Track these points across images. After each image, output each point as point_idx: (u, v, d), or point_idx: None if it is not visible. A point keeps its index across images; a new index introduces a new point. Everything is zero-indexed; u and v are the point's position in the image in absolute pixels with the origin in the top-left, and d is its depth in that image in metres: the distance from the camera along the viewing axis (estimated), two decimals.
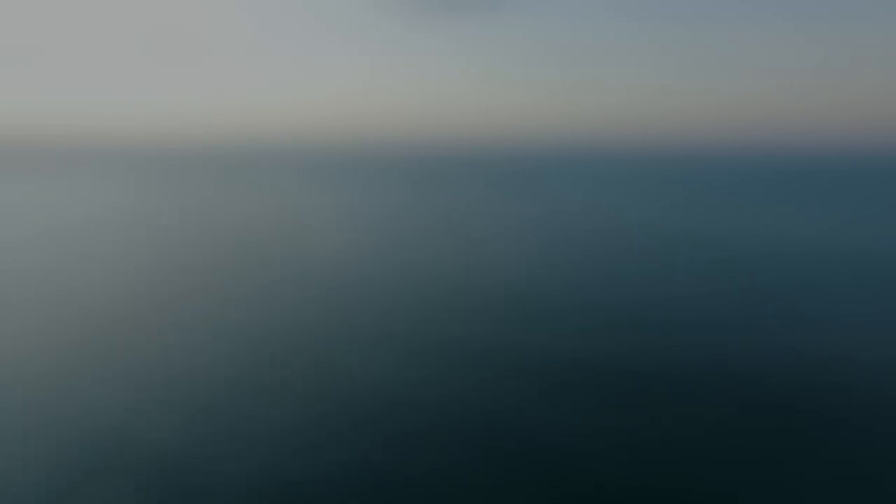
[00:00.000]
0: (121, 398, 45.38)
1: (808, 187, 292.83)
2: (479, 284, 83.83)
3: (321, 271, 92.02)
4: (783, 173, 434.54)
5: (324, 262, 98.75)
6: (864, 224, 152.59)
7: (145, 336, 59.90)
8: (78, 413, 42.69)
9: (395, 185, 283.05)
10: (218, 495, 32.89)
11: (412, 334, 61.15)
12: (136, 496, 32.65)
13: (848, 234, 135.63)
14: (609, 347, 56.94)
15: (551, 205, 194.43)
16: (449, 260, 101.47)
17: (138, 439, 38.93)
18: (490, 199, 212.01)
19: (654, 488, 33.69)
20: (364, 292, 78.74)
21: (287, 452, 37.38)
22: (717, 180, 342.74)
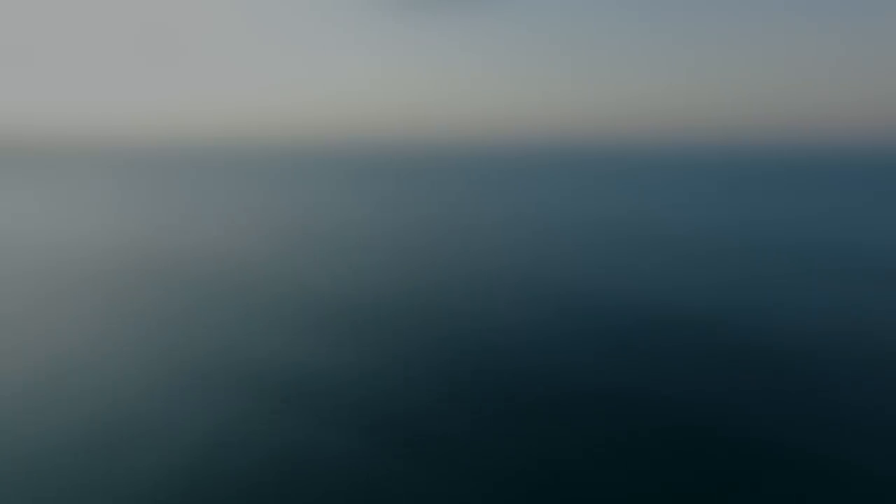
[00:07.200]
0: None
1: (812, 183, 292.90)
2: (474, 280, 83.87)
3: (313, 268, 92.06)
4: (786, 169, 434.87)
5: (316, 260, 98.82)
6: (865, 217, 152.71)
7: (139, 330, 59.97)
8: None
9: (391, 184, 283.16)
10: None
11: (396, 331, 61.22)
12: None
13: (847, 225, 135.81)
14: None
15: (546, 202, 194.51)
16: (440, 257, 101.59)
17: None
18: (485, 197, 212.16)
19: None
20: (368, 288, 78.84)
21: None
22: (717, 175, 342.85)
